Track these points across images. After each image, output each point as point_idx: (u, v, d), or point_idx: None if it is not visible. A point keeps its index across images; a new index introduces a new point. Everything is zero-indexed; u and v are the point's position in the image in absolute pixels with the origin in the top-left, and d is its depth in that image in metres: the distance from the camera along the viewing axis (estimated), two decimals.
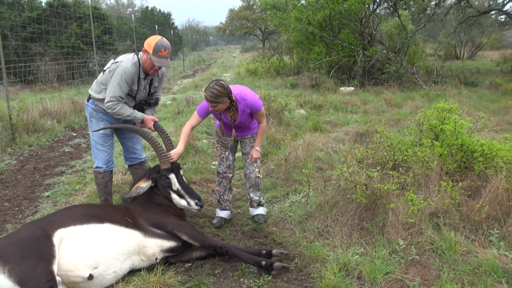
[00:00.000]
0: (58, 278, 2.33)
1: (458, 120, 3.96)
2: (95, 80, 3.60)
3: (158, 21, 31.79)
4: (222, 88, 3.19)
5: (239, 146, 3.88)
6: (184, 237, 3.01)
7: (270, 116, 7.05)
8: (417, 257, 2.96)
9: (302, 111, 8.36)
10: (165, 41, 3.36)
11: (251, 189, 3.80)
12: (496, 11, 18.04)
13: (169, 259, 3.06)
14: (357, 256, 3.00)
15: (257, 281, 2.86)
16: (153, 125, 3.59)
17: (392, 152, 4.06)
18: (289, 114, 7.70)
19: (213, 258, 3.13)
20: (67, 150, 6.60)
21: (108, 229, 2.76)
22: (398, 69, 11.89)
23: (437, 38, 25.26)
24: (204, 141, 6.68)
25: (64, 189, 4.72)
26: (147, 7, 39.64)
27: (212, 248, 3.03)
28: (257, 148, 3.68)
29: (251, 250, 3.13)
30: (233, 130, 3.54)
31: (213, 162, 5.58)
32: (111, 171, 3.78)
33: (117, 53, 16.30)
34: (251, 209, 3.88)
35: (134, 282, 2.71)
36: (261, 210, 3.82)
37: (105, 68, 3.51)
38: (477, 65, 17.46)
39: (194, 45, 43.16)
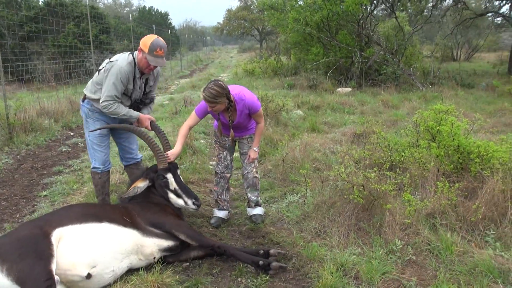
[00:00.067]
0: (56, 277, 2.34)
1: (454, 121, 3.99)
2: (90, 80, 3.58)
3: (156, 21, 31.75)
4: (220, 89, 3.19)
5: (237, 147, 3.89)
6: (182, 237, 3.02)
7: (268, 116, 7.05)
8: (413, 257, 2.98)
9: (299, 111, 8.38)
10: (160, 40, 3.35)
11: (248, 189, 3.82)
12: (493, 13, 18.11)
13: (167, 259, 3.07)
14: (354, 256, 3.02)
15: (254, 280, 2.87)
16: (150, 124, 3.58)
17: (389, 153, 4.09)
18: (286, 114, 7.71)
19: (211, 258, 3.14)
20: (64, 149, 6.59)
21: (106, 228, 2.76)
22: (395, 71, 11.92)
23: (434, 40, 25.38)
24: (201, 141, 6.68)
25: (62, 188, 4.72)
26: (144, 6, 39.69)
27: (210, 247, 3.03)
28: (254, 148, 3.69)
29: (249, 250, 3.14)
30: (231, 130, 3.55)
31: (210, 162, 5.59)
32: (109, 171, 3.78)
33: (114, 53, 16.17)
34: (248, 209, 3.89)
35: (132, 282, 2.72)
36: (258, 210, 3.83)
37: (100, 68, 3.49)
38: (474, 67, 17.51)
39: (191, 45, 43.17)
